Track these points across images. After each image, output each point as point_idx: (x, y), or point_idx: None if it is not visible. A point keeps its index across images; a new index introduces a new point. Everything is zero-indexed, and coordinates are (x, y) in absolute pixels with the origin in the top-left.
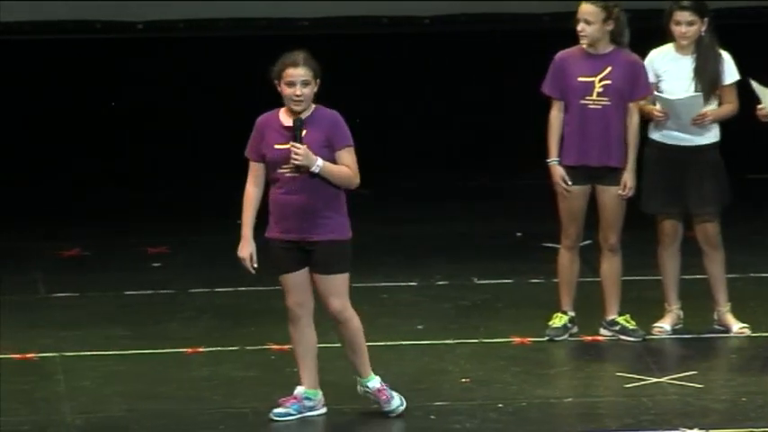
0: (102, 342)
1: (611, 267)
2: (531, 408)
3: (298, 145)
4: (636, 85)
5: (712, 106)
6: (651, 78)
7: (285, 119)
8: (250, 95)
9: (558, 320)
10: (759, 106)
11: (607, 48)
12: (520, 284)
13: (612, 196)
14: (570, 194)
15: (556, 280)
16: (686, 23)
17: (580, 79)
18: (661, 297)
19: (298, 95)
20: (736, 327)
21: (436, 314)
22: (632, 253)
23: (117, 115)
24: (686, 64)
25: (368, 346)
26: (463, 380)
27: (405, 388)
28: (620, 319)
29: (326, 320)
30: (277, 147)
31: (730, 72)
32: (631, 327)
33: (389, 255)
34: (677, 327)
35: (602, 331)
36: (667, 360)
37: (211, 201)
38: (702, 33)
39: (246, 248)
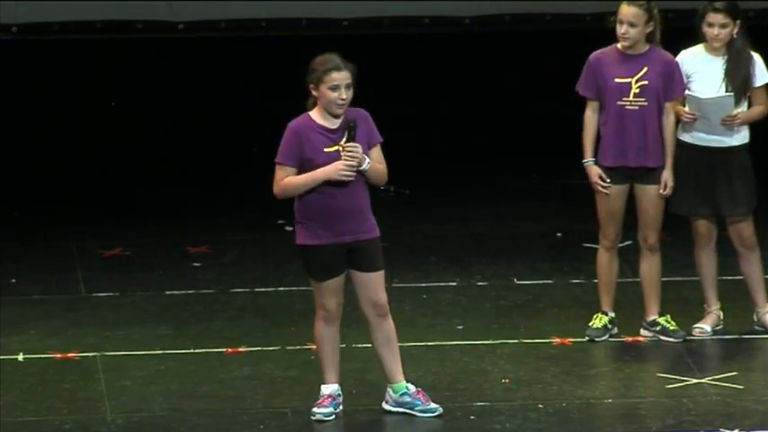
0: (144, 342)
1: (650, 267)
2: (571, 408)
3: (355, 145)
4: (671, 84)
5: (742, 108)
6: None
7: (323, 122)
8: (281, 95)
9: (599, 321)
10: None
11: (643, 48)
12: (560, 285)
13: (652, 196)
14: (609, 194)
15: (596, 280)
16: (719, 26)
17: (617, 80)
18: (702, 298)
19: (343, 99)
20: None
21: (476, 314)
22: (673, 253)
23: (147, 112)
24: (717, 65)
25: (408, 345)
26: (503, 380)
27: (445, 388)
28: (661, 320)
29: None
30: (327, 150)
31: (761, 74)
32: (672, 327)
33: (430, 255)
34: (717, 328)
35: (643, 332)
36: (708, 361)
37: (252, 200)
38: (735, 35)
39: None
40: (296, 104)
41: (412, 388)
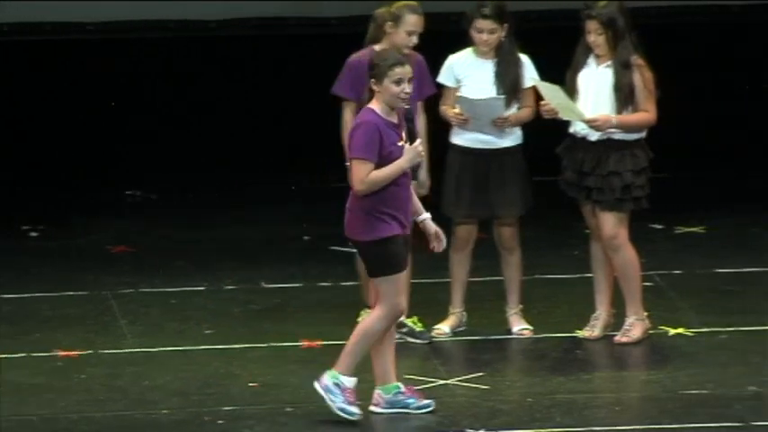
0: None
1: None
2: (320, 411)
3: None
4: (424, 82)
5: (513, 110)
6: (451, 83)
7: (388, 116)
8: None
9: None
10: (542, 102)
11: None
12: (308, 288)
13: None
14: None
15: (344, 283)
16: (488, 31)
17: None
18: (449, 299)
19: (407, 93)
20: (517, 328)
21: (225, 319)
22: (424, 256)
23: None
24: (488, 68)
25: (156, 351)
26: (252, 384)
27: (194, 393)
28: (408, 321)
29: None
30: (400, 144)
31: (530, 75)
32: (419, 329)
33: (177, 259)
34: (459, 329)
35: None
36: (455, 362)
37: None
38: (503, 38)
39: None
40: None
41: (402, 386)
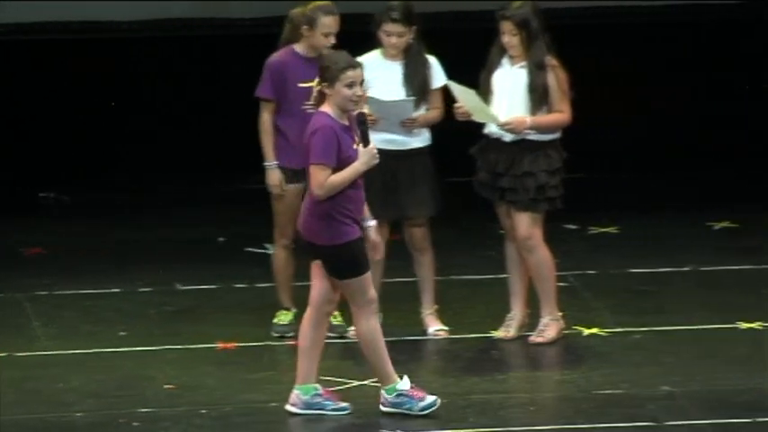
0: None
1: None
2: (235, 413)
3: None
4: None
5: (422, 111)
6: None
7: (341, 120)
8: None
9: (285, 317)
10: (455, 105)
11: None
12: (224, 290)
13: None
14: (288, 194)
15: (259, 285)
16: (397, 35)
17: (300, 85)
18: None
19: (359, 95)
20: (432, 329)
21: (140, 321)
22: None
23: None
24: (396, 70)
25: (70, 353)
26: (167, 386)
27: (109, 395)
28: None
29: None
30: (355, 147)
31: (438, 77)
32: (336, 322)
33: (92, 261)
34: None
35: None
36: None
37: None
38: (411, 41)
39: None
40: None
41: (403, 387)
